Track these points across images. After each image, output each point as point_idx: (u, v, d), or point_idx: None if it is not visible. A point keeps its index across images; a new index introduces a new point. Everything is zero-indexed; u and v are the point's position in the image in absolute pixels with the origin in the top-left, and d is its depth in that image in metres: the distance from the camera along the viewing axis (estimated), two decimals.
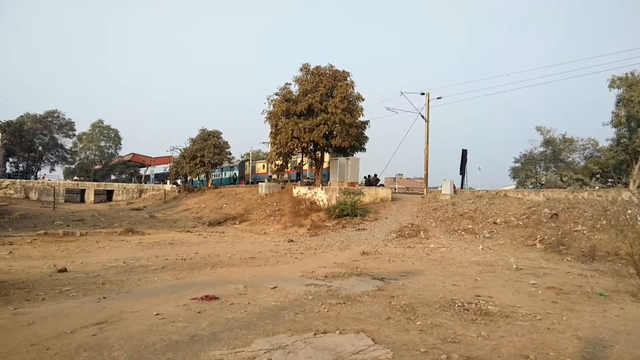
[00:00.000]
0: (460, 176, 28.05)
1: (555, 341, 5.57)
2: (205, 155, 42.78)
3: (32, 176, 61.44)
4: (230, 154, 47.09)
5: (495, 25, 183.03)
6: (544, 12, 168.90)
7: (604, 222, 14.42)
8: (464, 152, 28.05)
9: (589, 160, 37.50)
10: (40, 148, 64.47)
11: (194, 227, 24.34)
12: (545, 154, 41.29)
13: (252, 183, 42.42)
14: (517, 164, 43.27)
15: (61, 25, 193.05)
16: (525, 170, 42.07)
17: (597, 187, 16.55)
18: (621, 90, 34.91)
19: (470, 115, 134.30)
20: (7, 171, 60.70)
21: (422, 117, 27.09)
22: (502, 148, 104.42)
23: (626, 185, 28.42)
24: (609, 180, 31.94)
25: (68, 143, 68.64)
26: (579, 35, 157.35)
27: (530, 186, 39.83)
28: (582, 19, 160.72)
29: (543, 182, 39.58)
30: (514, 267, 11.80)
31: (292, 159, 33.77)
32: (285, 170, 34.05)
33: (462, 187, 27.05)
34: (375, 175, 33.33)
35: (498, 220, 18.04)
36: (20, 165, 65.35)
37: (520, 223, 17.26)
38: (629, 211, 11.60)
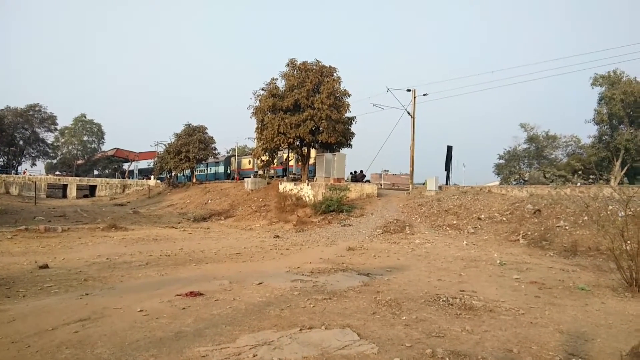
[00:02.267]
0: (446, 172, 28.27)
1: (538, 335, 5.65)
2: (190, 151, 42.37)
3: (13, 171, 60.16)
4: (215, 149, 46.75)
5: (481, 23, 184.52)
6: (529, 11, 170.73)
7: (586, 217, 14.67)
8: (449, 149, 28.25)
9: (572, 157, 38.02)
10: (21, 142, 63.12)
11: (179, 223, 24.14)
12: (529, 151, 41.74)
13: (232, 178, 42.13)
14: (501, 161, 43.67)
15: (43, 16, 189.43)
16: (509, 167, 42.49)
17: (579, 184, 16.72)
18: (603, 88, 35.50)
19: (456, 112, 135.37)
20: None
21: (408, 113, 27.23)
22: (487, 145, 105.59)
23: (607, 181, 28.85)
24: (591, 176, 32.44)
25: (50, 137, 67.30)
26: (562, 34, 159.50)
27: (514, 182, 40.25)
28: (566, 18, 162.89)
29: (526, 179, 40.05)
30: (498, 262, 11.94)
31: (278, 155, 33.67)
32: (272, 166, 33.96)
33: (447, 184, 27.26)
34: (362, 171, 33.41)
35: (482, 216, 18.22)
36: (0, 159, 63.96)
37: (504, 219, 17.46)
38: (610, 207, 11.78)
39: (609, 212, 10.64)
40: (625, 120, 34.94)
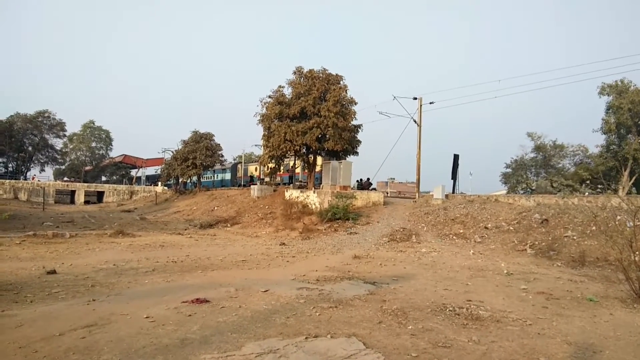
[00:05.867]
0: (452, 181, 28.18)
1: (545, 346, 5.61)
2: (197, 157, 42.57)
3: (22, 177, 60.79)
4: (222, 156, 46.94)
5: (488, 31, 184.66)
6: (537, 19, 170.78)
7: (594, 228, 14.53)
8: (456, 157, 28.17)
9: (579, 167, 37.86)
10: (30, 148, 63.81)
11: (185, 230, 24.20)
12: (536, 160, 41.62)
13: (244, 185, 42.20)
14: (508, 170, 43.56)
15: (50, 24, 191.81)
16: (516, 176, 42.38)
17: (586, 193, 16.64)
18: (611, 97, 35.39)
19: (462, 120, 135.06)
20: None
21: (415, 121, 27.21)
22: (494, 153, 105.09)
23: (615, 191, 28.64)
24: (599, 186, 32.34)
25: (58, 143, 68.01)
26: (570, 42, 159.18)
27: (521, 191, 40.13)
28: (574, 26, 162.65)
29: (534, 188, 39.90)
30: (505, 272, 11.87)
31: (285, 162, 33.76)
32: (278, 173, 34.03)
33: (453, 192, 27.16)
34: (368, 179, 33.40)
35: (489, 225, 18.13)
36: (10, 165, 64.62)
37: (511, 228, 17.36)
38: (618, 217, 11.67)
39: (617, 223, 10.54)
40: (633, 130, 34.77)
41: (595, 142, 48.17)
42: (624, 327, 6.71)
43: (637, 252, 8.59)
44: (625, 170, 34.20)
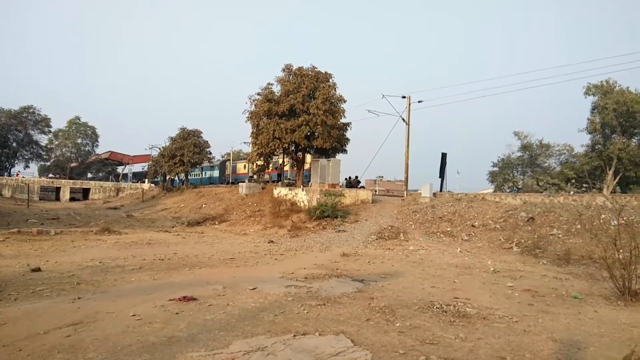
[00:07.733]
0: (440, 179, 28.36)
1: (531, 343, 5.66)
2: (185, 155, 42.23)
3: (6, 173, 59.83)
4: (210, 153, 46.65)
5: (477, 33, 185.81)
6: (524, 21, 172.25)
7: (579, 226, 14.73)
8: (444, 156, 28.36)
9: (565, 166, 38.27)
10: (14, 144, 62.81)
11: (173, 227, 24.01)
12: (523, 159, 41.94)
13: (232, 183, 42.00)
14: (495, 168, 43.83)
15: (37, 18, 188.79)
16: (503, 175, 42.63)
17: (572, 192, 16.88)
18: (596, 97, 35.86)
19: (450, 119, 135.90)
20: None
21: (403, 120, 27.35)
22: (481, 152, 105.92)
23: (600, 190, 29.11)
24: (584, 185, 32.82)
25: (43, 140, 67.14)
26: (557, 43, 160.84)
27: (508, 190, 40.42)
28: (560, 28, 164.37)
29: (520, 187, 40.23)
30: (491, 269, 11.96)
31: (273, 160, 33.67)
32: (266, 170, 33.89)
33: (441, 190, 27.33)
34: (357, 177, 33.46)
35: (476, 224, 18.27)
36: None
37: (498, 226, 17.51)
38: (603, 216, 11.85)
39: (601, 221, 10.69)
40: (617, 130, 35.28)
41: (580, 141, 48.77)
42: (608, 324, 6.81)
43: (621, 250, 8.70)
44: (609, 170, 34.70)
